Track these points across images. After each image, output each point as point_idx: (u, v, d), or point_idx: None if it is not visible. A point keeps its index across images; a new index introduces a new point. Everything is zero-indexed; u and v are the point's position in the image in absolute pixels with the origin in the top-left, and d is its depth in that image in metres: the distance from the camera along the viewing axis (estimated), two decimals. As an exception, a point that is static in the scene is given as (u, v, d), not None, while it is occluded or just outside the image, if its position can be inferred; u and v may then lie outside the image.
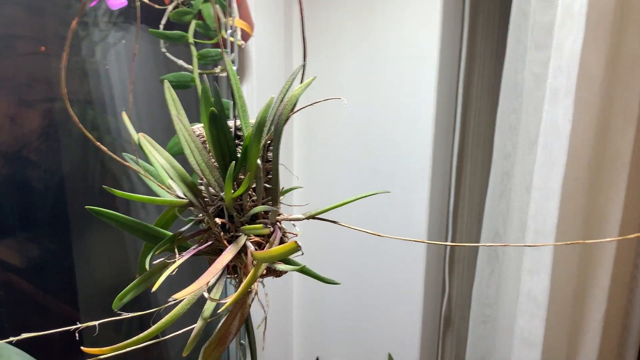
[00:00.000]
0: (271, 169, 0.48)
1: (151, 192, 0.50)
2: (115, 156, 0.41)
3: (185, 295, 0.39)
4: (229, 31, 0.59)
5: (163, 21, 0.77)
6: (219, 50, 0.77)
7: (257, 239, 0.47)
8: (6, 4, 0.78)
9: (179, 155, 0.49)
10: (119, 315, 0.45)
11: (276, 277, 0.52)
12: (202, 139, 0.48)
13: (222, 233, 0.47)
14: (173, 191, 0.48)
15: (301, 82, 0.46)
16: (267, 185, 0.49)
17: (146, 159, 0.49)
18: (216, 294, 0.44)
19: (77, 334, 0.40)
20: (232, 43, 0.76)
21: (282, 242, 0.49)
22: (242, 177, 0.47)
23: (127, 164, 0.45)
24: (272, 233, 0.47)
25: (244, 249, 0.46)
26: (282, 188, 0.49)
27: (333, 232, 1.29)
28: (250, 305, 0.47)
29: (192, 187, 0.46)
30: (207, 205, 0.47)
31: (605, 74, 0.83)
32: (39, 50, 0.84)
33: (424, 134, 1.10)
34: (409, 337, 1.24)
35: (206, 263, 0.49)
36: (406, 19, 1.08)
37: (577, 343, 0.98)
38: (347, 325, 1.35)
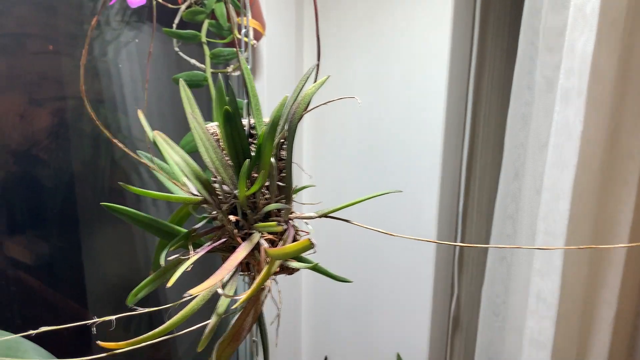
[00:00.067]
0: (284, 167, 0.49)
1: (163, 190, 0.51)
2: (131, 152, 0.41)
3: (201, 291, 0.40)
4: (243, 30, 0.59)
5: (176, 20, 0.78)
6: (232, 49, 0.78)
7: (270, 236, 0.47)
8: (18, 3, 0.79)
9: (191, 153, 0.49)
10: (132, 310, 0.45)
11: (288, 274, 0.52)
12: (216, 137, 0.49)
13: (235, 230, 0.47)
14: (187, 188, 0.48)
15: (314, 82, 0.47)
16: (280, 184, 0.49)
17: (160, 156, 0.50)
18: (230, 290, 0.45)
19: (93, 329, 0.41)
20: (244, 42, 0.76)
21: (294, 240, 0.49)
22: (256, 175, 0.47)
23: (143, 160, 0.45)
24: (285, 231, 0.47)
25: (257, 246, 0.46)
26: (296, 186, 0.49)
27: (341, 232, 1.29)
28: (263, 302, 0.47)
29: (206, 185, 0.47)
30: (220, 203, 0.48)
31: (617, 75, 0.83)
32: (49, 49, 0.85)
33: (434, 134, 1.10)
34: (418, 338, 1.24)
35: (214, 263, 0.50)
36: (417, 19, 1.08)
37: (587, 344, 0.97)
38: (356, 325, 1.35)
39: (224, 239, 0.48)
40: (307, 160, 1.31)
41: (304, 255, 0.47)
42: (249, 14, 0.72)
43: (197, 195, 0.47)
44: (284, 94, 0.46)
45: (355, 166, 1.24)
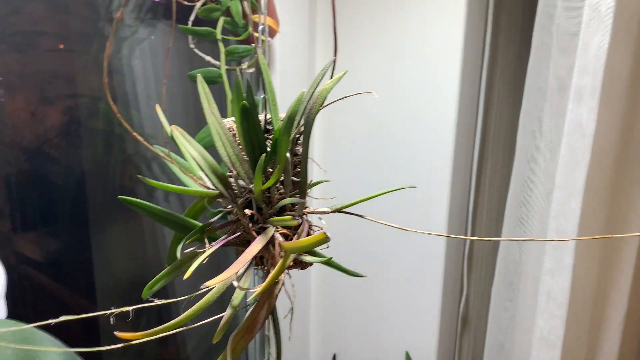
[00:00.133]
0: (299, 163, 0.49)
1: (176, 185, 0.51)
2: (150, 146, 0.42)
3: (216, 283, 0.40)
4: (260, 27, 0.60)
5: (192, 17, 0.78)
6: (246, 46, 0.78)
7: (284, 231, 0.48)
8: (30, 1, 0.80)
9: (206, 148, 0.50)
10: (149, 302, 0.46)
11: (301, 269, 0.52)
12: (232, 132, 0.49)
13: (250, 224, 0.48)
14: (203, 182, 0.49)
15: (330, 78, 0.47)
16: (294, 179, 0.50)
17: (177, 151, 0.51)
18: (245, 283, 0.45)
19: (111, 319, 0.41)
20: (258, 39, 0.77)
21: (308, 234, 0.50)
22: (271, 170, 0.48)
23: (161, 154, 0.46)
24: (299, 225, 0.48)
25: (271, 240, 0.47)
26: (311, 181, 0.50)
27: (350, 230, 1.29)
28: (277, 296, 0.48)
29: (222, 179, 0.47)
30: (236, 197, 0.48)
31: (631, 73, 0.83)
32: (61, 47, 0.85)
33: (446, 133, 1.10)
34: (427, 336, 1.25)
35: (223, 260, 0.50)
36: (429, 18, 1.08)
37: (597, 344, 0.97)
38: (364, 323, 1.36)
39: (239, 233, 0.49)
40: (317, 157, 1.32)
41: (317, 249, 0.47)
42: (266, 12, 0.73)
43: (213, 189, 0.48)
44: (296, 90, 0.46)
45: (365, 163, 1.24)
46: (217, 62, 0.80)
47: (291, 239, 0.48)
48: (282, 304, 0.54)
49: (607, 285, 0.94)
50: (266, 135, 0.49)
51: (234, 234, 0.49)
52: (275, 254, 0.46)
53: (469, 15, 1.05)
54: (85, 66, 0.89)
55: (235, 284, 0.43)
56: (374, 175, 1.23)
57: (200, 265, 0.44)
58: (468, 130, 1.18)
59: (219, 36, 0.80)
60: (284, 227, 0.48)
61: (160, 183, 0.44)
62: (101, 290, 0.97)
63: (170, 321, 0.42)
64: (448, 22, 1.06)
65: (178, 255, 0.46)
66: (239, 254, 0.49)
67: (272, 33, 0.88)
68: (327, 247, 0.43)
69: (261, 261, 0.51)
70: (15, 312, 0.83)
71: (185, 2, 0.77)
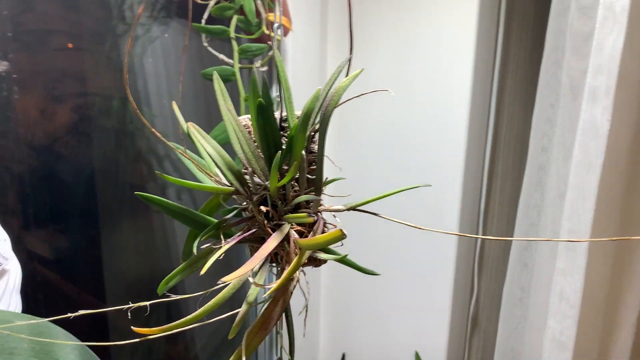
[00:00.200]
0: (314, 160, 0.49)
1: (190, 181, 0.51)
2: (168, 142, 0.42)
3: (232, 279, 0.40)
4: (275, 25, 0.60)
5: (205, 16, 0.78)
6: (259, 45, 0.78)
7: (299, 228, 0.48)
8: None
9: (221, 145, 0.50)
10: (166, 297, 0.46)
11: (315, 266, 0.53)
12: (248, 129, 0.49)
13: (265, 221, 0.48)
14: (219, 179, 0.49)
15: (346, 76, 0.47)
16: (309, 176, 0.50)
17: (190, 148, 0.51)
18: (260, 279, 0.46)
19: (128, 313, 0.42)
20: (274, 37, 0.77)
21: (322, 232, 0.50)
22: (286, 167, 0.48)
23: (178, 151, 0.46)
24: (314, 222, 0.48)
25: (286, 237, 0.47)
26: (326, 178, 0.50)
27: (361, 228, 1.29)
28: (292, 293, 0.48)
29: (238, 176, 0.48)
30: (251, 194, 0.48)
31: (646, 74, 0.82)
32: (70, 46, 0.86)
33: (458, 133, 1.10)
34: (437, 337, 1.24)
35: (234, 260, 0.50)
36: (443, 19, 1.08)
37: (609, 345, 0.97)
38: (374, 323, 1.36)
39: (254, 230, 0.49)
40: (329, 155, 1.32)
41: (332, 247, 0.47)
42: (281, 10, 0.73)
43: (229, 186, 0.48)
44: (307, 88, 0.46)
45: (376, 162, 1.24)
46: (230, 60, 0.80)
47: (306, 237, 0.48)
48: (293, 302, 0.55)
49: (620, 286, 0.94)
50: (281, 132, 0.50)
51: (249, 230, 0.49)
52: (291, 251, 0.46)
53: (481, 16, 1.05)
54: (98, 64, 0.89)
55: (251, 280, 0.43)
56: (385, 173, 1.23)
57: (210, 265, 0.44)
58: (480, 130, 1.17)
59: (233, 34, 0.80)
60: (299, 225, 0.48)
61: (177, 179, 0.44)
62: (111, 288, 0.98)
63: (188, 315, 0.42)
64: (460, 22, 1.06)
65: (194, 251, 0.46)
66: (253, 250, 0.50)
67: (285, 31, 0.88)
68: (342, 244, 0.43)
69: (275, 258, 0.51)
70: (28, 308, 0.84)
71: (199, 1, 0.77)
